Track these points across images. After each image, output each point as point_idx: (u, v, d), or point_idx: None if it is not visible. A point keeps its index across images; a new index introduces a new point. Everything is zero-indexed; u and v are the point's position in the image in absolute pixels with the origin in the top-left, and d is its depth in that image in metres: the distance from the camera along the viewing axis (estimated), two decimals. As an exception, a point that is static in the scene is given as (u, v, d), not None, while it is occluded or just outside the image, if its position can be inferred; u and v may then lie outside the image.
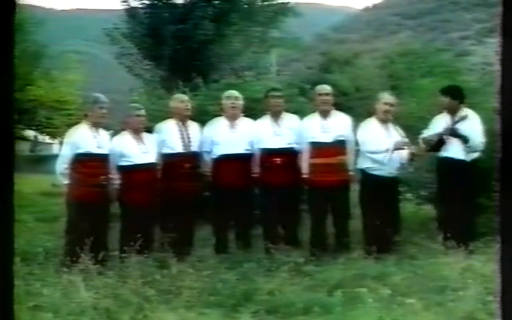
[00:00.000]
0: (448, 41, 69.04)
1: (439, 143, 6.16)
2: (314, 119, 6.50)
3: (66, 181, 5.83)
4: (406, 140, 6.25)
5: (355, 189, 6.53)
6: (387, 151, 6.11)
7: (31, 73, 17.61)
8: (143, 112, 6.35)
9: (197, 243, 6.48)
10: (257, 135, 6.50)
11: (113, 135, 6.35)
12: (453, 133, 6.06)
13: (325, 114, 6.47)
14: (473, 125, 6.08)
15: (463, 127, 6.04)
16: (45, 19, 20.55)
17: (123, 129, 6.33)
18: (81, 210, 5.65)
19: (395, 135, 6.28)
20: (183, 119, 6.49)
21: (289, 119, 6.61)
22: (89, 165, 5.83)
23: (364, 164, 6.32)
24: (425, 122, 6.63)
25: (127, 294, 4.45)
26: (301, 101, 8.57)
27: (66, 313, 4.16)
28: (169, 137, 6.40)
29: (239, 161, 6.40)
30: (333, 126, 6.39)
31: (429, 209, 7.53)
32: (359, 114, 8.32)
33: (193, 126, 6.55)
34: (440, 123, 6.25)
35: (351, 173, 6.42)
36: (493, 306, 3.85)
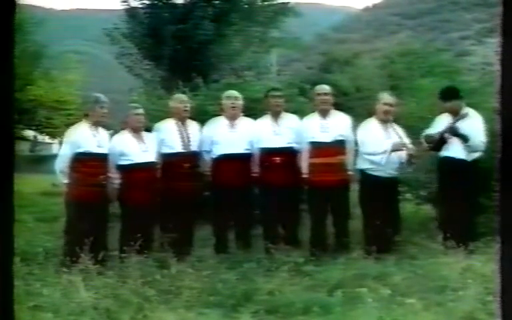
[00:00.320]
0: (448, 40, 69.09)
1: (440, 142, 6.16)
2: (313, 118, 6.50)
3: (65, 180, 5.82)
4: (404, 141, 6.23)
5: (354, 189, 6.53)
6: (384, 152, 6.10)
7: (30, 72, 17.62)
8: (141, 111, 6.35)
9: (197, 242, 6.48)
10: (257, 134, 6.50)
11: (113, 134, 6.35)
12: (453, 131, 6.06)
13: (324, 114, 6.47)
14: (474, 124, 6.07)
15: (463, 126, 6.04)
16: (44, 19, 20.56)
17: (123, 129, 6.33)
18: (80, 209, 5.65)
19: (394, 135, 6.27)
20: (182, 119, 6.49)
21: (289, 119, 6.61)
22: (89, 164, 5.83)
23: (363, 164, 6.32)
24: (425, 122, 6.64)
25: (127, 294, 4.45)
26: (301, 101, 8.57)
27: (66, 313, 4.16)
28: (168, 136, 6.40)
29: (239, 160, 6.40)
30: (333, 126, 6.39)
31: (428, 209, 7.53)
32: (359, 114, 8.32)
33: (192, 125, 6.55)
34: (442, 123, 6.25)
35: (350, 173, 6.41)
36: (493, 306, 3.85)
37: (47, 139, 28.88)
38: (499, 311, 1.55)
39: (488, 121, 5.94)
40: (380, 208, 6.07)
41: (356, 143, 6.41)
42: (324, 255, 5.88)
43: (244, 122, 6.60)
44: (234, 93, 6.75)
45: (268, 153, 6.42)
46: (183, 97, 6.92)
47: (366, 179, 6.28)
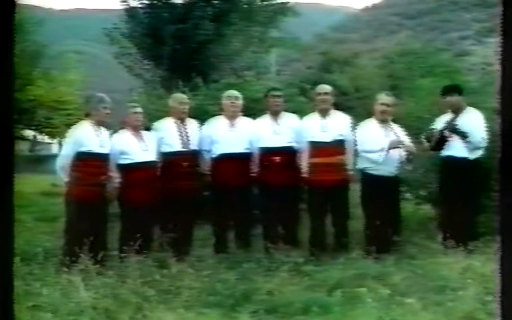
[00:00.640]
0: (447, 40, 69.14)
1: (440, 140, 6.16)
2: (313, 118, 6.51)
3: (66, 179, 5.81)
4: (401, 139, 6.23)
5: (354, 188, 6.53)
6: (381, 150, 6.10)
7: (30, 72, 17.61)
8: (139, 110, 6.34)
9: (196, 242, 6.48)
10: (257, 134, 6.50)
11: (112, 134, 6.34)
12: (452, 128, 6.06)
13: (324, 113, 6.47)
14: (474, 121, 6.08)
15: (462, 123, 6.05)
16: (44, 19, 20.54)
17: (122, 128, 6.32)
18: (81, 209, 5.63)
19: (393, 134, 6.28)
20: (181, 118, 6.49)
21: (289, 118, 6.61)
22: (91, 164, 5.82)
23: (363, 164, 6.32)
24: (425, 122, 6.64)
25: (126, 294, 4.45)
26: (301, 101, 8.57)
27: (65, 313, 4.16)
28: (168, 135, 6.39)
29: (239, 160, 6.40)
30: (333, 125, 6.39)
31: (428, 209, 7.53)
32: (359, 114, 8.33)
33: (191, 124, 6.55)
34: (442, 121, 6.26)
35: (350, 173, 6.42)
36: (493, 306, 3.85)
37: (46, 138, 28.86)
38: (499, 311, 1.55)
39: (488, 120, 5.94)
40: (381, 207, 6.08)
41: (355, 143, 6.41)
42: (323, 255, 5.89)
43: (244, 121, 6.60)
44: (234, 92, 6.75)
45: (267, 152, 6.42)
46: (182, 96, 6.92)
47: (367, 178, 6.29)
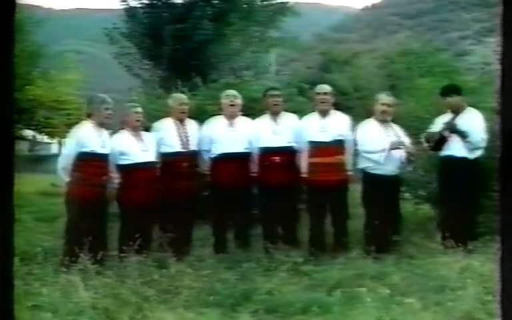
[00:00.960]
0: (447, 40, 69.14)
1: (440, 141, 6.16)
2: (313, 118, 6.51)
3: (67, 179, 5.81)
4: (402, 140, 6.24)
5: (354, 188, 6.53)
6: (382, 150, 6.11)
7: (29, 72, 17.61)
8: (139, 109, 6.34)
9: (196, 242, 6.48)
10: (256, 133, 6.49)
11: (112, 134, 6.34)
12: (452, 127, 6.07)
13: (324, 113, 6.47)
14: (473, 121, 6.08)
15: (462, 123, 6.05)
16: (44, 19, 20.54)
17: (121, 128, 6.32)
18: (81, 209, 5.63)
19: (393, 134, 6.28)
20: (180, 118, 6.48)
21: (288, 118, 6.61)
22: (93, 164, 5.81)
23: (364, 164, 6.33)
24: (424, 121, 6.64)
25: (126, 294, 4.45)
26: (300, 101, 8.57)
27: (65, 313, 4.16)
28: (167, 136, 6.39)
29: (238, 160, 6.39)
30: (332, 125, 6.39)
31: (427, 209, 7.53)
32: (358, 114, 8.32)
33: (191, 125, 6.54)
34: (442, 122, 6.26)
35: (349, 173, 6.42)
36: (492, 306, 3.85)
37: (45, 138, 28.87)
38: (499, 311, 1.55)
39: (487, 120, 5.94)
40: (382, 206, 6.09)
41: (355, 143, 6.42)
42: (323, 255, 5.89)
43: (243, 121, 6.60)
44: (233, 92, 6.75)
45: (267, 152, 6.41)
46: (181, 96, 6.92)
47: (368, 178, 6.29)
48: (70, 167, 5.78)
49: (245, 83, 9.26)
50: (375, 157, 6.18)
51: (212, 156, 6.47)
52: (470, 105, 6.32)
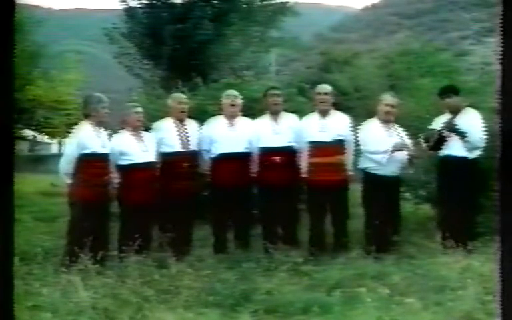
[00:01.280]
0: (447, 40, 69.13)
1: (439, 140, 6.17)
2: (313, 118, 6.51)
3: (69, 181, 5.81)
4: (405, 142, 6.26)
5: (354, 188, 6.53)
6: (386, 151, 6.12)
7: (29, 72, 17.58)
8: (140, 109, 6.34)
9: (196, 242, 6.48)
10: (256, 133, 6.49)
11: (111, 134, 6.34)
12: (451, 127, 6.08)
13: (324, 113, 6.47)
14: (472, 121, 6.09)
15: (461, 122, 6.06)
16: (43, 19, 20.51)
17: (122, 128, 6.32)
18: (84, 210, 5.63)
19: (395, 135, 6.29)
20: (180, 118, 6.49)
21: (288, 118, 6.61)
22: (95, 165, 5.81)
23: (365, 164, 6.33)
24: (424, 121, 6.64)
25: (126, 294, 4.45)
26: (300, 101, 8.56)
27: (65, 313, 4.16)
28: (167, 136, 6.39)
29: (238, 160, 6.39)
30: (332, 125, 6.40)
31: (427, 209, 7.53)
32: (358, 114, 8.32)
33: (191, 125, 6.54)
34: (441, 122, 6.27)
35: (349, 173, 6.42)
36: (492, 306, 3.85)
37: (45, 138, 28.85)
38: (498, 311, 1.55)
39: (487, 120, 5.94)
40: (383, 206, 6.10)
41: (357, 143, 6.42)
42: (323, 255, 5.89)
43: (243, 121, 6.60)
44: (233, 92, 6.75)
45: (267, 152, 6.41)
46: (181, 96, 6.92)
47: (368, 178, 6.30)
48: (72, 169, 5.78)
49: (245, 83, 9.25)
50: (377, 157, 6.18)
51: (212, 156, 6.47)
52: (470, 105, 6.33)
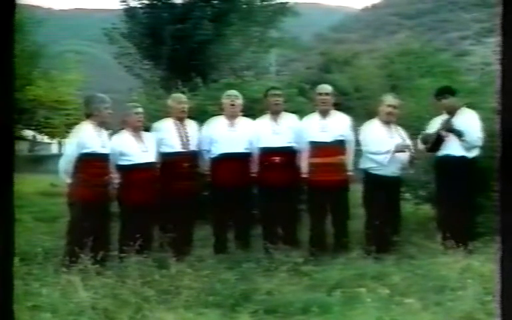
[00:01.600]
0: (447, 40, 69.23)
1: (437, 141, 6.18)
2: (313, 118, 6.51)
3: (69, 180, 5.81)
4: (407, 143, 6.27)
5: (354, 189, 6.54)
6: (387, 152, 6.13)
7: (29, 72, 17.59)
8: (140, 110, 6.34)
9: (196, 242, 6.48)
10: (256, 133, 6.49)
11: (112, 135, 6.34)
12: (448, 127, 6.09)
13: (324, 114, 6.47)
14: (469, 120, 6.11)
15: (458, 122, 6.07)
16: (43, 19, 20.52)
17: (122, 128, 6.32)
18: (84, 210, 5.63)
19: (397, 136, 6.30)
20: (180, 118, 6.49)
21: (289, 118, 6.61)
22: (95, 165, 5.80)
23: (366, 164, 6.34)
24: (425, 122, 6.65)
25: (126, 294, 4.45)
26: (300, 101, 8.56)
27: (65, 313, 4.15)
28: (167, 136, 6.39)
29: (238, 160, 6.39)
30: (332, 126, 6.40)
31: (427, 209, 7.53)
32: (358, 114, 8.33)
33: (190, 125, 6.55)
34: (438, 123, 6.28)
35: (350, 173, 6.42)
36: (492, 306, 3.85)
37: (45, 138, 28.89)
38: (498, 311, 1.55)
39: (487, 120, 5.95)
40: (383, 207, 6.10)
41: (358, 143, 6.43)
42: (323, 255, 5.89)
43: (243, 121, 6.60)
44: (234, 92, 6.75)
45: (267, 152, 6.41)
46: (181, 96, 6.92)
47: (369, 178, 6.31)
48: (71, 168, 5.78)
49: (245, 83, 9.25)
50: (379, 158, 6.19)
51: (212, 156, 6.47)
52: (470, 105, 6.34)
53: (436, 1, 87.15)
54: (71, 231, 5.73)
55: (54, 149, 30.42)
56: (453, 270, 4.95)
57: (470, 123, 6.09)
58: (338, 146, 6.35)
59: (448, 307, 4.22)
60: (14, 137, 1.55)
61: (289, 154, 6.45)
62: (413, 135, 6.53)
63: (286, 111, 6.71)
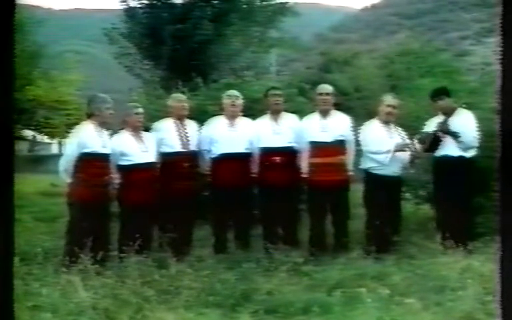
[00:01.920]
0: (447, 40, 69.19)
1: (434, 142, 6.20)
2: (314, 118, 6.51)
3: (68, 180, 5.81)
4: (407, 142, 6.28)
5: (355, 189, 6.54)
6: (388, 151, 6.14)
7: (30, 72, 17.60)
8: (140, 110, 6.34)
9: (196, 242, 6.48)
10: (257, 133, 6.49)
11: (112, 135, 6.34)
12: (444, 129, 6.10)
13: (324, 114, 6.47)
14: (465, 121, 6.12)
15: (454, 123, 6.09)
16: (43, 19, 20.53)
17: (122, 128, 6.32)
18: (84, 210, 5.63)
19: (397, 136, 6.31)
20: (180, 118, 6.49)
21: (289, 118, 6.61)
22: (95, 165, 5.80)
23: (367, 164, 6.34)
24: (424, 122, 6.65)
25: (126, 294, 4.44)
26: (300, 101, 8.56)
27: (65, 313, 4.16)
28: (167, 136, 6.39)
29: (238, 160, 6.39)
30: (333, 126, 6.40)
31: (427, 209, 7.53)
32: (358, 114, 8.32)
33: (191, 125, 6.55)
34: (434, 123, 6.30)
35: (350, 173, 6.43)
36: (492, 306, 3.85)
37: (45, 138, 28.90)
38: (499, 311, 1.55)
39: (487, 120, 5.95)
40: (384, 206, 6.10)
41: (358, 143, 6.43)
42: (323, 255, 5.89)
43: (244, 121, 6.60)
44: (234, 92, 6.75)
45: (268, 152, 6.41)
46: (181, 96, 6.92)
47: (370, 178, 6.32)
48: (72, 168, 5.78)
49: (245, 83, 9.25)
50: (380, 157, 6.20)
51: (212, 156, 6.47)
52: (470, 105, 6.35)
53: (436, 0, 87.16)
54: (71, 230, 5.73)
55: (54, 149, 30.42)
56: (453, 270, 4.95)
57: (466, 123, 6.11)
58: (338, 146, 6.35)
59: (448, 307, 4.22)
60: (14, 137, 1.55)
61: (289, 154, 6.45)
62: (413, 135, 6.53)
63: (286, 111, 6.71)
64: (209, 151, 6.49)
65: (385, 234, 5.96)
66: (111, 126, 6.38)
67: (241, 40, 17.57)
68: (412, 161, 6.33)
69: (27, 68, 16.74)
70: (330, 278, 5.04)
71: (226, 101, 6.60)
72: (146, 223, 5.95)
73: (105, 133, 6.01)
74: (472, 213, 6.11)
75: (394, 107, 6.42)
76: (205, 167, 6.53)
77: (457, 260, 5.14)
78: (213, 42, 16.32)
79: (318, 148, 6.33)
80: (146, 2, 17.32)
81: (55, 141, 28.77)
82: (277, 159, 6.38)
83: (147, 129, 6.43)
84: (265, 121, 6.57)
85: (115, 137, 6.22)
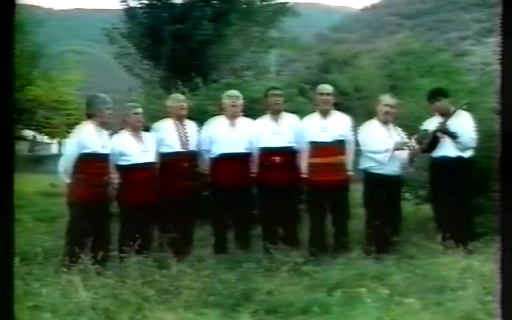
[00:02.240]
0: (447, 40, 69.11)
1: (432, 142, 6.21)
2: (314, 118, 6.51)
3: (68, 180, 5.81)
4: (406, 141, 6.29)
5: (354, 188, 6.54)
6: (386, 150, 6.14)
7: (30, 72, 17.59)
8: (140, 110, 6.34)
9: (196, 242, 6.48)
10: (257, 134, 6.49)
11: (112, 135, 6.34)
12: (442, 129, 6.12)
13: (324, 114, 6.48)
14: (463, 122, 6.14)
15: (452, 124, 6.10)
16: (43, 19, 20.52)
17: (122, 128, 6.32)
18: (84, 210, 5.63)
19: (395, 135, 6.32)
20: (180, 118, 6.49)
21: (289, 118, 6.61)
22: (95, 165, 5.81)
23: (366, 163, 6.35)
24: (424, 122, 6.65)
25: (126, 294, 4.44)
26: (300, 101, 8.56)
27: (65, 313, 4.16)
28: (167, 136, 6.40)
29: (238, 160, 6.39)
30: (333, 126, 6.40)
31: (427, 209, 7.53)
32: (358, 114, 8.32)
33: (190, 125, 6.55)
34: (432, 124, 6.31)
35: (350, 173, 6.43)
36: (492, 306, 3.85)
37: (45, 138, 28.90)
38: (499, 311, 1.55)
39: (487, 120, 5.96)
40: (384, 206, 6.11)
41: (357, 143, 6.44)
42: (323, 255, 5.89)
43: (244, 121, 6.60)
44: (235, 92, 6.75)
45: (267, 152, 6.42)
46: (180, 96, 6.93)
47: (370, 178, 6.32)
48: (71, 168, 5.78)
49: (245, 83, 9.25)
50: (379, 156, 6.21)
51: (212, 156, 6.47)
52: (470, 105, 6.36)
53: (436, 0, 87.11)
54: (71, 230, 5.73)
55: (54, 149, 30.42)
56: (453, 270, 4.95)
57: (464, 124, 6.14)
58: (338, 146, 6.35)
59: (448, 306, 4.23)
60: (14, 137, 1.55)
61: (289, 154, 6.45)
62: (412, 135, 6.53)
63: (286, 111, 6.71)
64: (209, 151, 6.49)
65: (385, 234, 5.96)
66: (111, 126, 6.38)
67: (241, 40, 17.57)
68: (411, 160, 6.34)
69: (27, 68, 16.73)
70: (330, 278, 5.04)
71: (226, 101, 6.60)
72: (146, 223, 5.95)
73: (105, 133, 6.01)
74: (472, 213, 6.12)
75: (392, 106, 6.43)
76: (205, 166, 6.53)
77: (457, 260, 5.14)
78: (212, 42, 16.32)
79: (318, 148, 6.33)
80: (146, 2, 17.32)
81: (54, 141, 28.78)
82: (277, 159, 6.38)
83: (147, 129, 6.43)
84: (265, 120, 6.57)
85: (115, 137, 6.23)
